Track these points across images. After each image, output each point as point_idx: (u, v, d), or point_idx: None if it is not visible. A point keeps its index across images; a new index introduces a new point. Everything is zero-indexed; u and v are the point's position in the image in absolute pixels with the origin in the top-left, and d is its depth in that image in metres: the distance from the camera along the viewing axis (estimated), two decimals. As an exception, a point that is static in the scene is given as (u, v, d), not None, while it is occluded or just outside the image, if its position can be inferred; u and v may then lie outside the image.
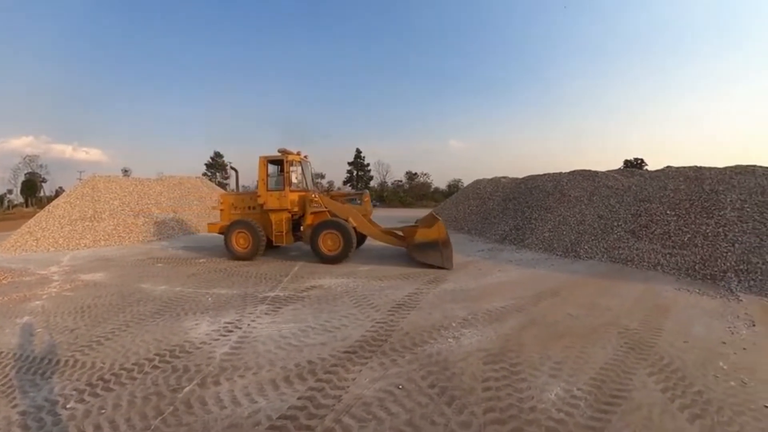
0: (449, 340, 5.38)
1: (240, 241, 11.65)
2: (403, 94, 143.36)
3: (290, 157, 11.58)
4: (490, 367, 4.59)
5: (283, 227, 11.59)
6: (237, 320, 5.98)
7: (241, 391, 3.90)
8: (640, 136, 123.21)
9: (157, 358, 4.76)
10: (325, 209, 11.57)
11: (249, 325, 5.79)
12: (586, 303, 7.26)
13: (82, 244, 14.61)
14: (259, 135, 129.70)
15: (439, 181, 72.99)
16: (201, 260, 11.54)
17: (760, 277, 8.50)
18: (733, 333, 5.88)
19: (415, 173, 73.28)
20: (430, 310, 6.68)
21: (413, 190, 63.05)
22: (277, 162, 11.85)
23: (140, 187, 20.22)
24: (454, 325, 5.98)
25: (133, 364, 4.65)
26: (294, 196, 11.77)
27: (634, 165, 53.15)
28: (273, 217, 11.67)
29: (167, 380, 4.19)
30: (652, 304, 7.28)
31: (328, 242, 11.05)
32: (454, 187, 58.70)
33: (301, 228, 12.05)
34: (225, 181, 71.02)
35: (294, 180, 11.80)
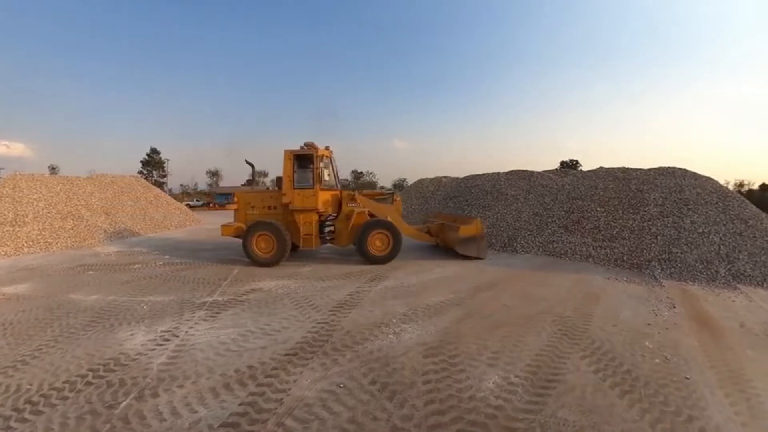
0: (390, 336, 5.29)
1: (261, 245, 10.33)
2: (349, 93, 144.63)
3: (320, 152, 10.60)
4: (430, 360, 4.56)
5: (313, 229, 10.69)
6: (174, 328, 5.63)
7: (181, 402, 3.69)
8: (577, 139, 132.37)
9: (91, 373, 4.32)
10: (363, 209, 11.08)
11: (187, 332, 5.46)
12: (522, 294, 7.43)
13: (2, 253, 12.78)
14: (198, 131, 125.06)
15: (385, 180, 73.61)
16: (136, 266, 10.30)
17: (679, 265, 9.20)
18: (656, 315, 6.24)
19: (361, 172, 73.51)
20: (371, 308, 6.55)
21: (359, 189, 63.28)
22: (306, 157, 10.70)
23: (69, 186, 18.32)
24: (394, 321, 5.88)
25: (63, 382, 4.11)
26: (326, 196, 10.87)
27: (570, 166, 56.22)
28: (301, 217, 10.61)
29: (102, 397, 3.83)
30: (583, 292, 7.58)
31: (376, 243, 10.61)
32: (399, 186, 59.33)
33: (326, 229, 11.32)
34: (162, 180, 67.50)
35: (325, 177, 10.91)
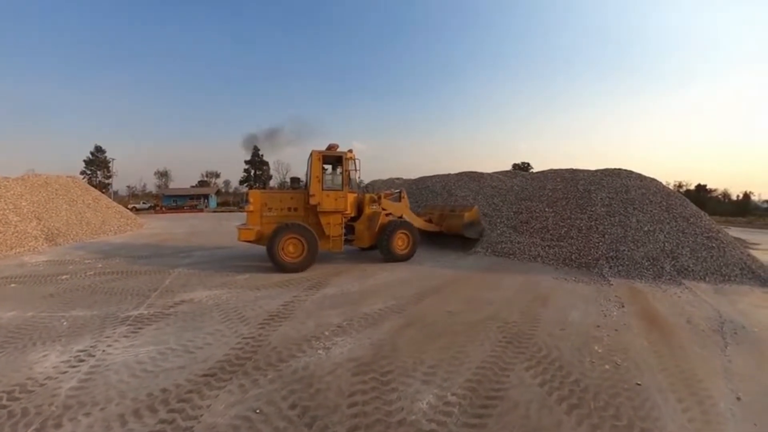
0: (319, 351, 4.73)
1: (290, 249, 9.71)
2: (306, 95, 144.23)
3: (349, 155, 10.52)
4: (359, 378, 4.04)
5: (340, 231, 10.53)
6: (91, 347, 5.03)
7: None
8: (529, 142, 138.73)
9: (-8, 403, 3.76)
10: (383, 211, 11.26)
11: (104, 351, 4.88)
12: (467, 298, 7.02)
13: None
14: (147, 129, 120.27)
15: (340, 182, 73.70)
16: (63, 277, 9.21)
17: (626, 263, 9.16)
18: (606, 316, 5.96)
19: (324, 175, 73.26)
20: (304, 320, 5.98)
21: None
22: (334, 159, 10.72)
23: None
24: (326, 333, 5.34)
25: (-39, 415, 3.53)
26: (351, 198, 10.81)
27: (522, 168, 57.72)
28: (329, 219, 10.40)
29: (1, 430, 3.36)
30: (532, 294, 7.26)
31: (398, 242, 10.96)
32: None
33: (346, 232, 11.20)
34: (107, 181, 63.82)
35: (355, 180, 11.02)
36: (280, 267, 9.60)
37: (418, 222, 12.56)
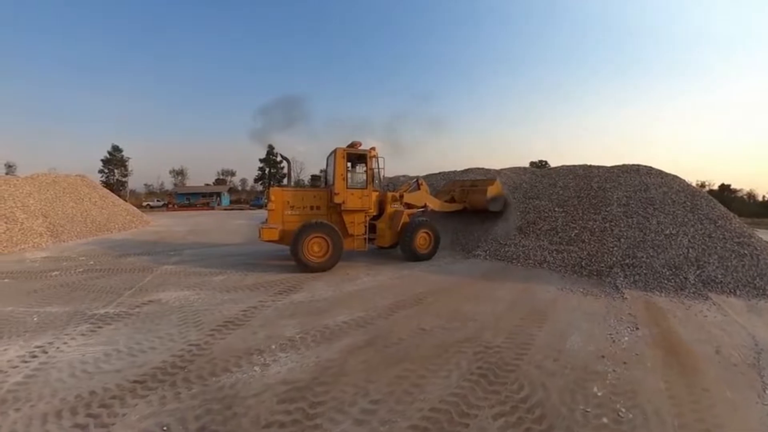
0: (255, 368, 4.22)
1: (314, 249, 9.43)
2: (318, 93, 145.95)
3: (372, 153, 10.39)
4: (283, 407, 3.42)
5: (364, 230, 10.46)
6: (49, 343, 5.06)
7: (8, 429, 3.25)
8: (546, 140, 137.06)
9: (-59, 396, 3.75)
10: (405, 209, 11.21)
11: (58, 348, 4.89)
12: (449, 312, 6.03)
13: None
14: (165, 128, 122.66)
15: (351, 179, 74.46)
16: (54, 273, 9.23)
17: (644, 271, 8.02)
18: (614, 341, 4.88)
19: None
20: (258, 329, 5.39)
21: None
22: (357, 157, 10.56)
23: (4, 187, 16.56)
24: (273, 347, 4.74)
25: None
26: (374, 196, 10.75)
27: (538, 166, 56.34)
28: (354, 218, 10.33)
29: None
30: (528, 309, 6.23)
31: (420, 241, 10.81)
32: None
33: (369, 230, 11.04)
34: (124, 179, 65.17)
35: (380, 178, 10.88)
36: (304, 267, 9.32)
37: (438, 204, 12.55)
